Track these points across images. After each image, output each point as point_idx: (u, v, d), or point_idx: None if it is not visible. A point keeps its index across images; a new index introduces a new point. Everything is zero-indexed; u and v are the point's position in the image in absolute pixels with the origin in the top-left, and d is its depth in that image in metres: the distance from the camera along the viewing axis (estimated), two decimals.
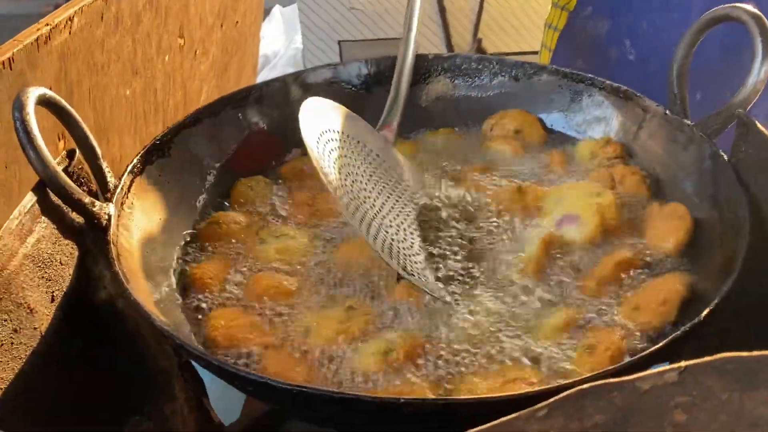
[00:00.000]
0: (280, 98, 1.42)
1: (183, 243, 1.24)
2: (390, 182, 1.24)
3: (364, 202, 1.14)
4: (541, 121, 1.44)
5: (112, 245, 1.05)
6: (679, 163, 1.22)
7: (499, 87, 1.45)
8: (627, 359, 0.97)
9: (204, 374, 1.12)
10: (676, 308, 1.02)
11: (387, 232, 1.13)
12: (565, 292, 1.11)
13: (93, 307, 1.06)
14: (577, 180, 1.28)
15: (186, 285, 1.17)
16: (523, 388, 0.93)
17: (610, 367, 0.88)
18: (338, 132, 1.20)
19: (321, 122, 1.17)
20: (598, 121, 1.38)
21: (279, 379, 0.92)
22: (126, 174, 1.15)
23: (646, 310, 1.03)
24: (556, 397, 0.60)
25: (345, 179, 1.14)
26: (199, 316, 1.12)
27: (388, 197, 1.21)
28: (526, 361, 1.01)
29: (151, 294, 1.06)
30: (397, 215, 1.19)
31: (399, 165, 1.28)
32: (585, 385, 0.61)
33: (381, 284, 1.15)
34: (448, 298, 1.10)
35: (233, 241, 1.26)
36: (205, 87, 1.53)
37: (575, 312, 1.07)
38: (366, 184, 1.19)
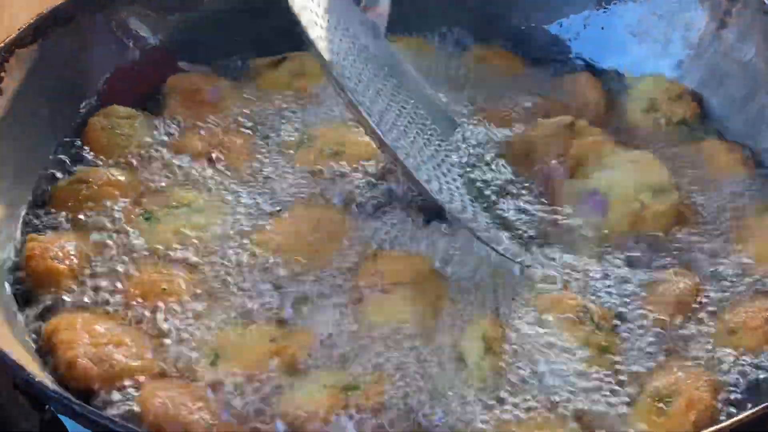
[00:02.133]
0: None
1: (25, 212, 1.00)
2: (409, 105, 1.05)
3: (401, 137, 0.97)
4: None
5: None
6: None
7: None
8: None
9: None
10: None
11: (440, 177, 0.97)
12: None
13: None
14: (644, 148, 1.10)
15: (29, 280, 0.93)
16: None
17: None
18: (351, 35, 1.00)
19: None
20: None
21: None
22: None
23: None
24: None
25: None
26: (42, 324, 0.89)
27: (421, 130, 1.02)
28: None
29: None
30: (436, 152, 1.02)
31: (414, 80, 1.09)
32: None
33: (334, 280, 0.94)
34: (528, 262, 0.96)
35: (106, 210, 1.01)
36: None
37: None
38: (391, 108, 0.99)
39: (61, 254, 0.93)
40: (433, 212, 0.98)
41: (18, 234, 0.97)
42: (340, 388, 0.82)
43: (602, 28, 1.24)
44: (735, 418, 0.78)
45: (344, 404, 0.81)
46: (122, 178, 1.03)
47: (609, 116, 1.16)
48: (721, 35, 1.15)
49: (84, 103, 1.11)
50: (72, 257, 0.93)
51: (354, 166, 1.05)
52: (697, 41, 1.17)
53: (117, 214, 0.99)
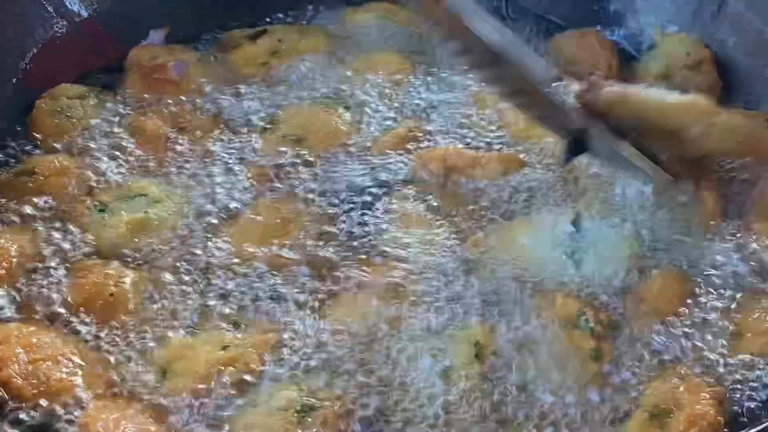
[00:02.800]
0: None
1: None
2: None
3: None
4: None
5: None
6: None
7: None
8: None
9: None
10: None
11: None
12: None
13: None
14: None
15: None
16: None
17: None
18: None
19: None
20: None
21: None
22: None
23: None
24: None
25: None
26: None
27: None
28: None
29: None
30: None
31: None
32: None
33: (297, 279, 0.87)
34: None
35: (55, 203, 0.94)
36: None
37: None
38: None
39: None
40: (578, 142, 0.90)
41: None
42: (296, 410, 0.76)
43: None
44: None
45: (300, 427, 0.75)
46: (72, 166, 0.95)
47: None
48: None
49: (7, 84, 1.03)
50: (12, 259, 0.86)
51: (318, 153, 0.98)
52: None
53: (67, 207, 0.92)
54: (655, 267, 0.90)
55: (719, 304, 0.88)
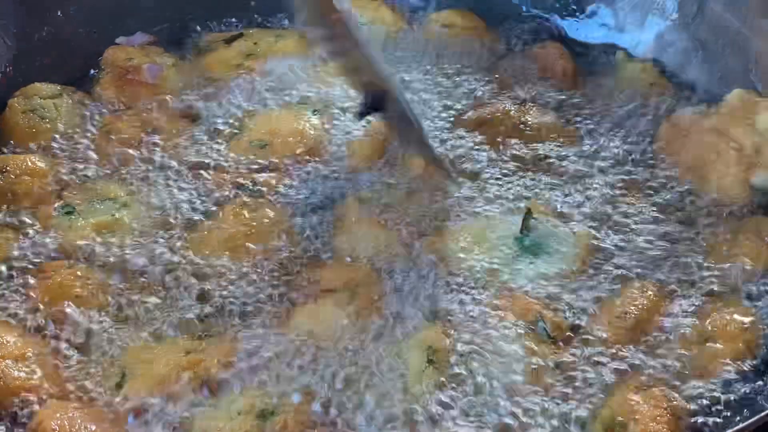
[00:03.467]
0: None
1: None
2: None
3: None
4: None
5: None
6: None
7: None
8: None
9: None
10: None
11: None
12: None
13: None
14: None
15: None
16: None
17: None
18: None
19: None
20: None
21: None
22: None
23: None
24: None
25: None
26: None
27: None
28: None
29: None
30: None
31: None
32: None
33: (263, 286, 0.86)
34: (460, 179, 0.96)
35: (24, 203, 0.93)
36: None
37: None
38: None
39: None
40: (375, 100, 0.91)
41: None
42: (256, 414, 0.75)
43: None
44: None
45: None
46: (44, 167, 0.94)
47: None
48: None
49: None
50: None
51: (282, 159, 0.96)
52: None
53: (35, 208, 0.91)
54: None
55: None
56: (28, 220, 0.90)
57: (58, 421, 0.74)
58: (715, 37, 1.06)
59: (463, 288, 0.86)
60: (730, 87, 0.99)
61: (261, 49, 1.07)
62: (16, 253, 0.87)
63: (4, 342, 0.79)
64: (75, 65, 1.06)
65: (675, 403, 0.78)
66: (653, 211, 0.93)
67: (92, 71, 1.06)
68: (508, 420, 0.76)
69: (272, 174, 0.95)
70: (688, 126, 0.99)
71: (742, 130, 0.95)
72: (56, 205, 0.91)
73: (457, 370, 0.79)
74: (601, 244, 0.89)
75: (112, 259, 0.87)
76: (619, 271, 0.87)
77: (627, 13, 1.16)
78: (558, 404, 0.77)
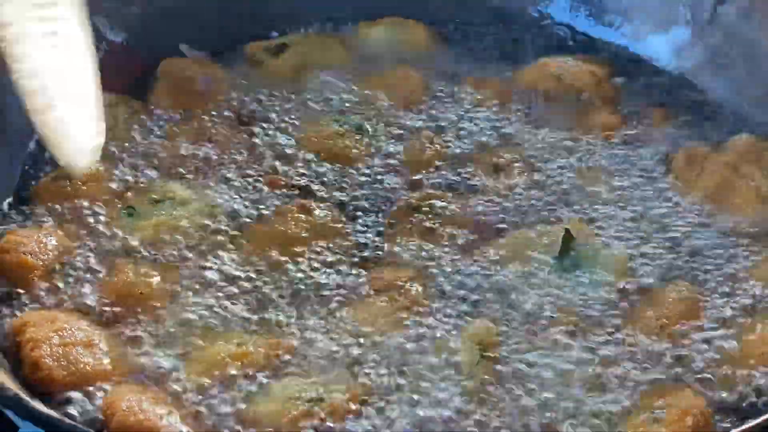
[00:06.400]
0: None
1: (7, 208, 0.97)
2: None
3: None
4: None
5: None
6: None
7: None
8: None
9: None
10: None
11: None
12: None
13: None
14: None
15: (3, 274, 0.89)
16: None
17: None
18: None
19: None
20: None
21: None
22: None
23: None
24: None
25: None
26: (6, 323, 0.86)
27: None
28: None
29: None
30: None
31: None
32: None
33: (316, 284, 0.91)
34: None
35: (88, 206, 0.97)
36: None
37: None
38: None
39: (37, 249, 0.89)
40: None
41: None
42: (306, 400, 0.79)
43: None
44: None
45: (308, 417, 0.78)
46: (105, 172, 0.99)
47: None
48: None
49: None
50: (49, 253, 0.90)
51: (339, 169, 1.01)
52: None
53: (99, 210, 0.96)
54: None
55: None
56: (92, 222, 0.95)
57: (126, 403, 0.77)
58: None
59: None
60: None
61: (310, 59, 1.12)
62: (80, 255, 0.91)
63: (75, 331, 0.83)
64: (130, 76, 1.09)
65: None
66: None
67: (148, 81, 1.10)
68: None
69: (327, 178, 1.00)
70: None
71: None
72: (119, 206, 0.96)
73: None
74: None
75: (170, 257, 0.91)
76: None
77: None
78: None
